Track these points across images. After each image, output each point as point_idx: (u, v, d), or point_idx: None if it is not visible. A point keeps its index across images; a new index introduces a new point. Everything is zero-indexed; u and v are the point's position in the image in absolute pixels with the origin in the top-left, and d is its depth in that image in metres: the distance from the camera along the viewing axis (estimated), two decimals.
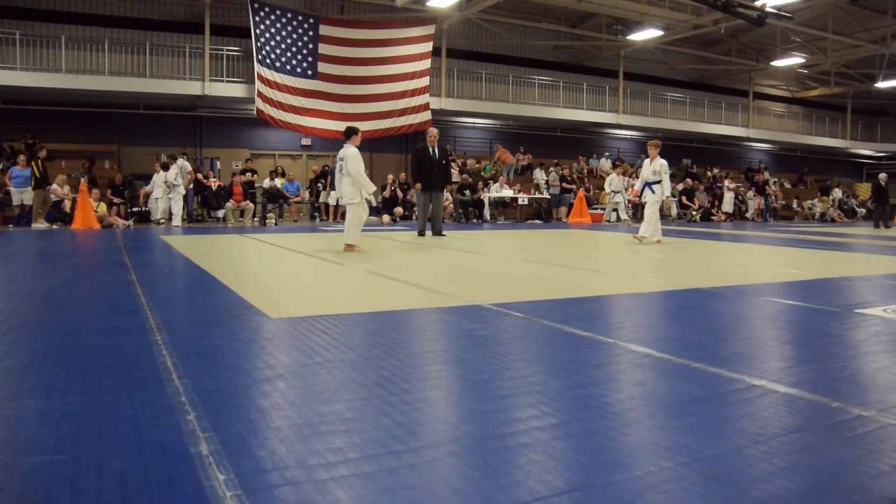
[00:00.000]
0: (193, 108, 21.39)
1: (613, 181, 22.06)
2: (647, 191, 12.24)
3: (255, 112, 19.81)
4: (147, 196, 17.43)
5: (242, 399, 2.74)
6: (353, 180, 9.52)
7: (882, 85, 29.36)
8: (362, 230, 9.94)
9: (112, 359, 3.36)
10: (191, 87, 19.80)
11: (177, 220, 16.35)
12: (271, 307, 4.76)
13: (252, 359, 3.39)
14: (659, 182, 12.01)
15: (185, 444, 2.21)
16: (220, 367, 3.23)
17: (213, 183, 18.52)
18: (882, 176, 22.51)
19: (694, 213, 24.20)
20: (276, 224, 17.34)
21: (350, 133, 9.79)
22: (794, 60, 27.62)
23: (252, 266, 8.30)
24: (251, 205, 17.82)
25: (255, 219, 17.77)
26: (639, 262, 9.31)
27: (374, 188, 9.74)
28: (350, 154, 9.53)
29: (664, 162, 12.06)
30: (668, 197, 12.21)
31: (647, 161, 12.39)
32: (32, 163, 15.55)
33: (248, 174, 18.74)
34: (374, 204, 10.21)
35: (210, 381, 2.97)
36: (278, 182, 18.96)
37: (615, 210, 21.94)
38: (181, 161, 16.99)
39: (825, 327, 4.48)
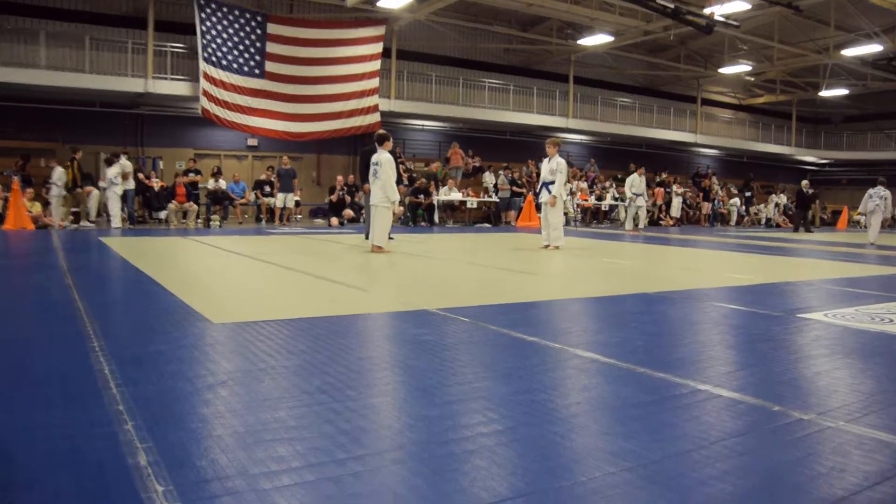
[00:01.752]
0: (135, 106, 20.82)
1: (635, 182, 19.70)
2: (543, 192, 11.35)
3: (199, 111, 19.41)
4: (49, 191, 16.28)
5: (183, 407, 2.67)
6: (381, 185, 9.61)
7: (825, 94, 30.18)
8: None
9: (47, 366, 3.26)
10: (133, 84, 19.21)
11: (116, 222, 15.89)
12: (214, 312, 4.67)
13: (194, 365, 3.32)
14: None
15: (122, 454, 2.15)
16: (161, 374, 3.14)
17: (156, 183, 18.08)
18: (804, 183, 23.69)
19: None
20: (220, 226, 17.04)
21: (383, 139, 9.93)
22: (741, 68, 28.19)
23: (195, 270, 8.16)
24: (195, 206, 17.40)
25: (199, 220, 17.43)
26: (586, 266, 9.41)
27: (398, 197, 9.88)
28: (384, 159, 9.65)
29: (562, 161, 11.21)
30: (553, 196, 10.97)
31: (545, 160, 11.44)
32: (68, 164, 15.71)
33: (192, 174, 18.35)
34: (397, 212, 10.26)
35: (150, 388, 2.89)
36: (222, 183, 18.60)
37: (636, 215, 19.86)
38: (123, 160, 16.54)
39: (768, 332, 4.57)
